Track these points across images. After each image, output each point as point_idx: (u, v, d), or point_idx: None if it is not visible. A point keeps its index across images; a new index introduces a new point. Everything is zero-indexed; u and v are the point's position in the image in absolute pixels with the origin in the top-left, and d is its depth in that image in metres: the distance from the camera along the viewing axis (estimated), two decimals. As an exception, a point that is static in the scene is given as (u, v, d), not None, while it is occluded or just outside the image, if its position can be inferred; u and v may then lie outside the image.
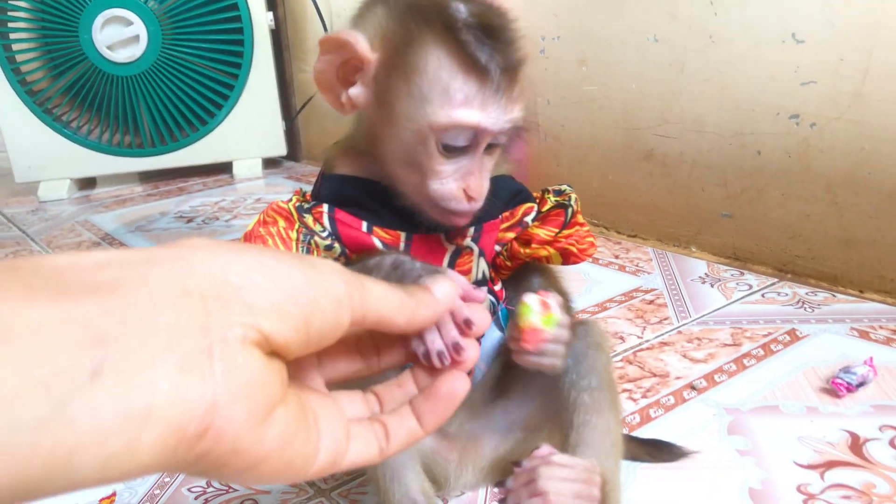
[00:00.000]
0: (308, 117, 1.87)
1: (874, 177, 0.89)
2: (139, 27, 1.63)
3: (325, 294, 0.31)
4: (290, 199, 0.55)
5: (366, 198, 0.54)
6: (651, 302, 0.94)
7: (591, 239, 0.60)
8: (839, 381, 0.71)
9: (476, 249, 0.56)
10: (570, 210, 0.59)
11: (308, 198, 0.56)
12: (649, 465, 0.62)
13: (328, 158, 0.57)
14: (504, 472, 0.57)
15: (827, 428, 0.66)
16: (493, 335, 0.58)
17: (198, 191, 1.72)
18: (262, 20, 1.72)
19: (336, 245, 0.53)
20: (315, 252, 0.52)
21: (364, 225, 0.54)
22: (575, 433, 0.54)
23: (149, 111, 1.72)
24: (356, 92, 0.50)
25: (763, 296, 0.94)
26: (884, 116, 0.86)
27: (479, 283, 0.56)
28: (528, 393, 0.60)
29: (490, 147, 0.50)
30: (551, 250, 0.58)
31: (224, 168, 1.83)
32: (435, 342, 0.34)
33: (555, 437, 0.56)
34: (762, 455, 0.62)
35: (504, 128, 0.49)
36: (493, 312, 0.57)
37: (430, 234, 0.54)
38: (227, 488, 0.63)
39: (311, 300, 0.30)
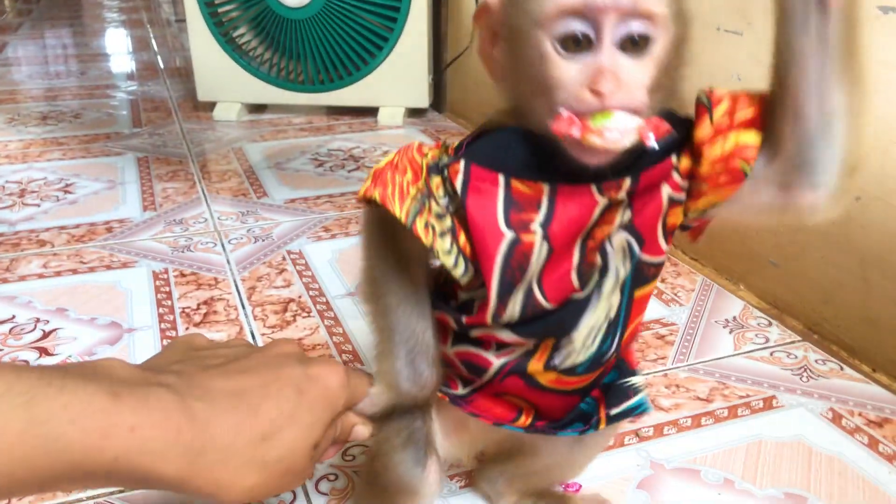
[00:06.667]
0: (455, 74, 1.98)
1: (904, 264, 0.88)
2: (309, -22, 1.81)
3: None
4: (426, 155, 0.51)
5: (511, 144, 0.49)
6: (662, 337, 1.00)
7: None
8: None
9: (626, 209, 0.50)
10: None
11: (451, 151, 0.51)
12: None
13: (490, 120, 0.52)
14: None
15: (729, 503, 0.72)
16: None
17: (342, 132, 1.90)
18: (421, -23, 1.83)
19: (447, 218, 0.49)
20: (426, 215, 0.49)
21: (501, 178, 0.48)
22: None
23: (311, 54, 1.91)
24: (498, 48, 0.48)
25: (771, 354, 0.97)
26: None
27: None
28: None
29: (634, 47, 0.43)
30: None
31: (372, 112, 2.00)
32: None
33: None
34: (651, 514, 0.70)
35: (628, 6, 0.42)
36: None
37: (576, 184, 0.47)
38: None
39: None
